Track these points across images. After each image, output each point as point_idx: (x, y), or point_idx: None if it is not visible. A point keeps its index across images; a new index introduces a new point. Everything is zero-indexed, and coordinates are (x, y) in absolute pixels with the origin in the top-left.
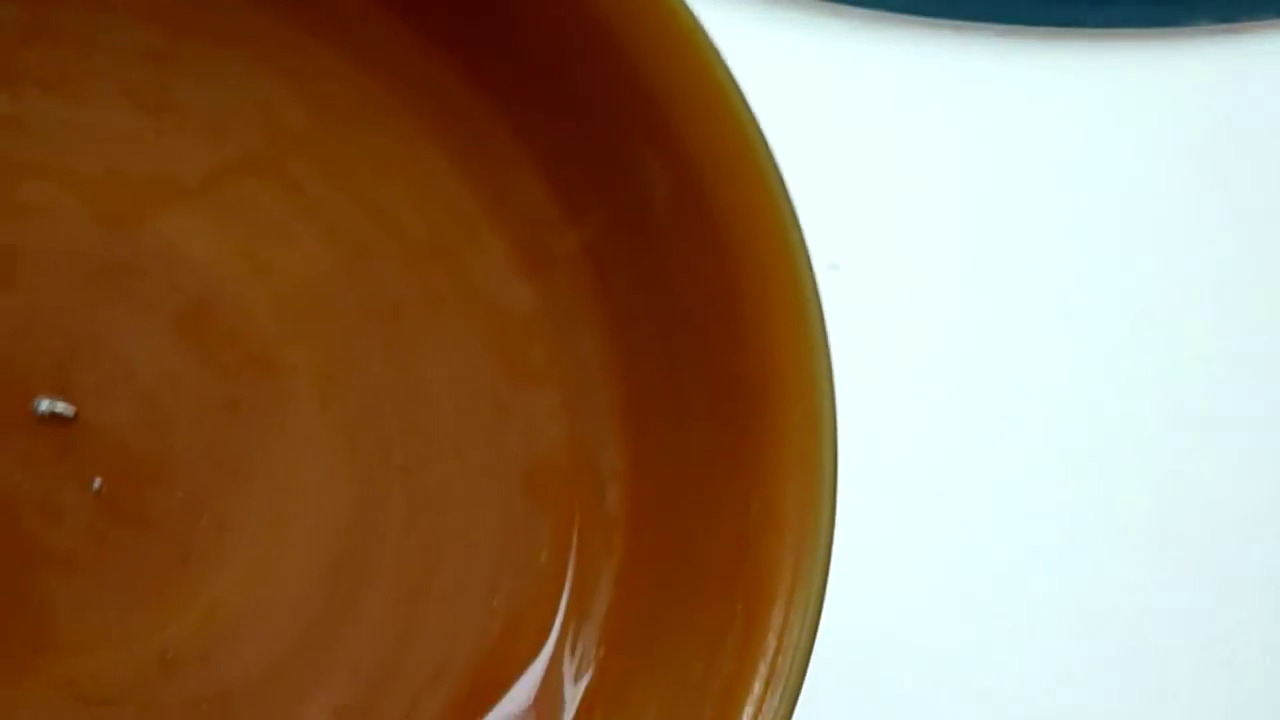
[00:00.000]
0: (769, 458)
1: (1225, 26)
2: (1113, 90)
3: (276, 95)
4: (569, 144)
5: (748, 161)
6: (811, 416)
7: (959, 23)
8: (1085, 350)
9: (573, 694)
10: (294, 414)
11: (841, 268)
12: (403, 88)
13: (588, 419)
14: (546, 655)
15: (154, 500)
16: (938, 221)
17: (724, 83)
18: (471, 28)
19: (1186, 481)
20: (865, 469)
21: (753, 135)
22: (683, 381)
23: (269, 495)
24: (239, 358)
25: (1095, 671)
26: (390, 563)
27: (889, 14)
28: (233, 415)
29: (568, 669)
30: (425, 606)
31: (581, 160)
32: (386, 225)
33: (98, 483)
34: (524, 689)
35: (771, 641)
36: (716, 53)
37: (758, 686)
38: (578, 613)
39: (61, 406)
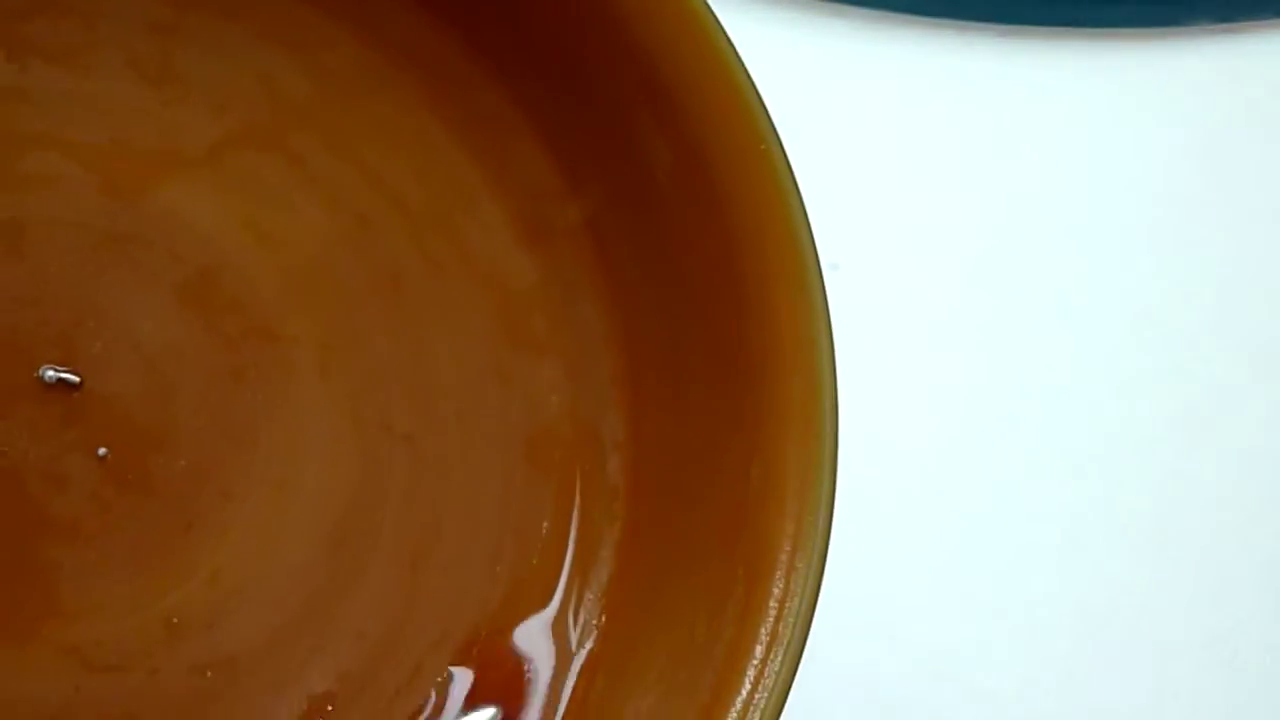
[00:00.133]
0: (769, 425)
1: (1225, 26)
2: (1113, 90)
3: (279, 66)
4: (570, 115)
5: (749, 131)
6: (811, 382)
7: (960, 23)
8: (1085, 350)
9: (575, 661)
10: (297, 383)
11: (841, 268)
12: (405, 59)
13: (589, 388)
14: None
15: (158, 468)
16: (938, 221)
17: (725, 53)
18: None
19: (1186, 481)
20: (865, 469)
21: (754, 105)
22: (684, 350)
23: (272, 464)
24: (242, 327)
25: (1095, 671)
26: (393, 531)
27: (891, 14)
28: (236, 384)
29: (570, 636)
30: (428, 574)
31: (583, 131)
32: (388, 196)
33: (103, 451)
34: None
35: (773, 607)
36: (718, 24)
37: (759, 651)
38: (580, 580)
39: (67, 376)
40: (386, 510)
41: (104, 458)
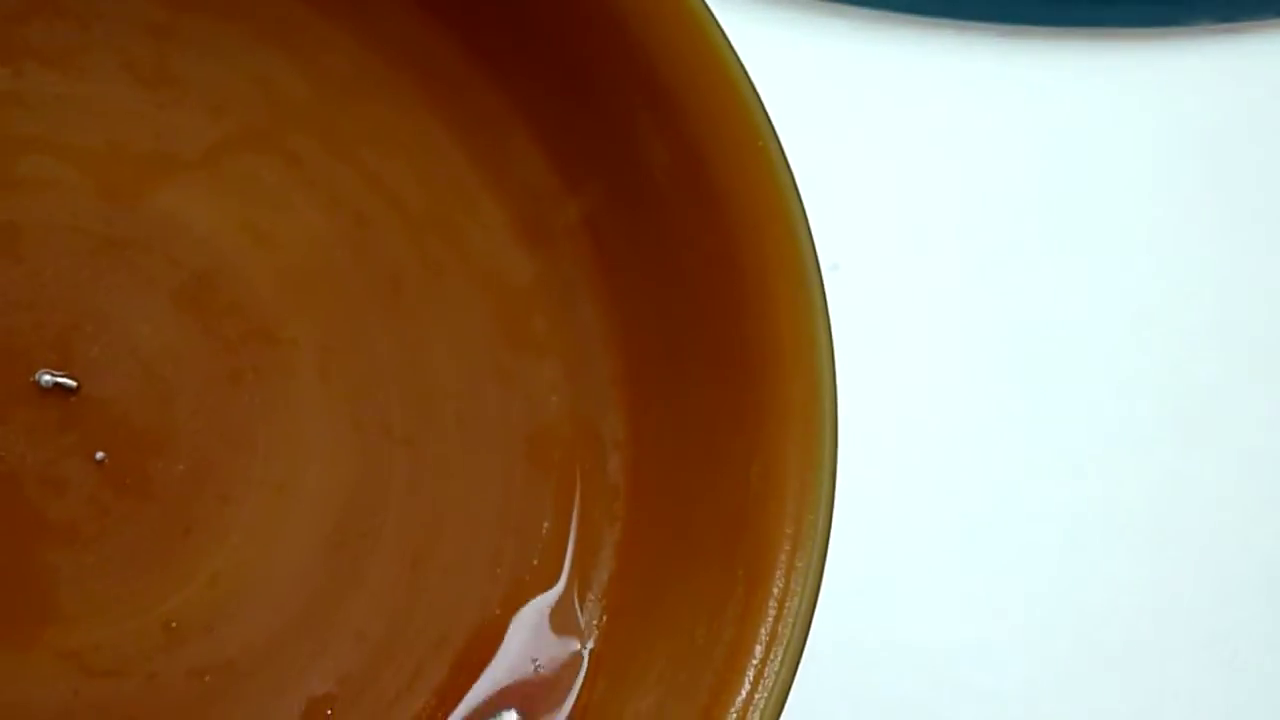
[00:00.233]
0: (769, 424)
1: (1225, 26)
2: (1113, 90)
3: (276, 68)
4: (569, 115)
5: (747, 129)
6: (811, 382)
7: (960, 23)
8: (1085, 350)
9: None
10: (295, 386)
11: (841, 268)
12: (402, 60)
13: (589, 388)
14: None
15: (156, 472)
16: (938, 221)
17: (723, 52)
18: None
19: (1186, 481)
20: (865, 469)
21: (751, 102)
22: (683, 350)
23: (271, 466)
24: (240, 330)
25: (1095, 671)
26: (393, 532)
27: (890, 13)
28: (235, 387)
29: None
30: (428, 576)
31: (581, 131)
32: (387, 197)
33: (100, 455)
34: None
35: (773, 607)
36: (716, 24)
37: (759, 651)
38: (580, 581)
39: (64, 380)
40: (386, 512)
41: (102, 462)
